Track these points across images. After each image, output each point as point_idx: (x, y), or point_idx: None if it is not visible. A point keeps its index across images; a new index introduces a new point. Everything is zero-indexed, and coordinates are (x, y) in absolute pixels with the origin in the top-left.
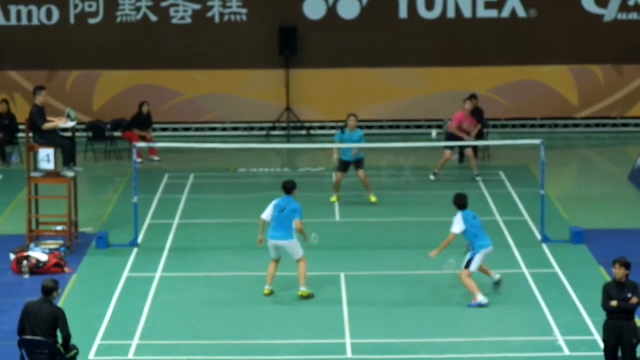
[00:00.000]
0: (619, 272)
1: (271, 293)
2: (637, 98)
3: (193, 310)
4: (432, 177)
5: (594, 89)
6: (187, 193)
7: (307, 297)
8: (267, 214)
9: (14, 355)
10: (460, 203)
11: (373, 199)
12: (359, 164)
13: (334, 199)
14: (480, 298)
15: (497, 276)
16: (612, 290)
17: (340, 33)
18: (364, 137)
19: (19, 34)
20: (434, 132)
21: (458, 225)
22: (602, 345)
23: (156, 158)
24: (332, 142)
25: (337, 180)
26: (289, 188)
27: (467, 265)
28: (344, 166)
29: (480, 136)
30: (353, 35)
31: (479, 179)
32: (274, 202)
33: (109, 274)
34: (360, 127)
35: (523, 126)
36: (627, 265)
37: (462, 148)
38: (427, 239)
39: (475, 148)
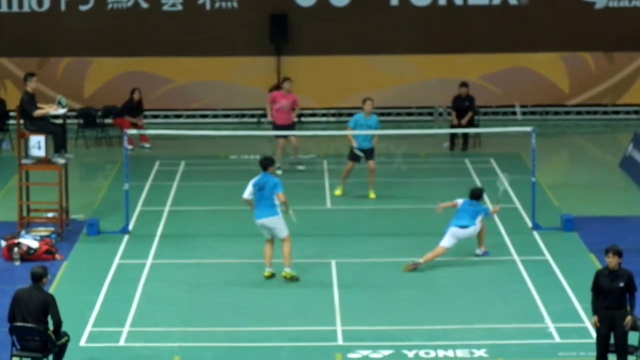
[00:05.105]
0: (612, 260)
1: (272, 275)
2: (628, 85)
3: (184, 297)
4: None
5: (584, 76)
6: (178, 180)
7: (292, 279)
8: (248, 193)
9: (5, 342)
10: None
11: (372, 195)
12: (369, 153)
13: (338, 192)
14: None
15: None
16: (603, 278)
17: (331, 20)
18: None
19: (9, 21)
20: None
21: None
22: (592, 332)
23: (147, 145)
24: (327, 128)
25: (347, 169)
26: (265, 164)
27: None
28: (354, 155)
29: (471, 123)
30: (344, 22)
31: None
32: (252, 181)
33: (100, 260)
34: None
35: (514, 113)
36: (619, 254)
37: (452, 136)
38: (418, 226)
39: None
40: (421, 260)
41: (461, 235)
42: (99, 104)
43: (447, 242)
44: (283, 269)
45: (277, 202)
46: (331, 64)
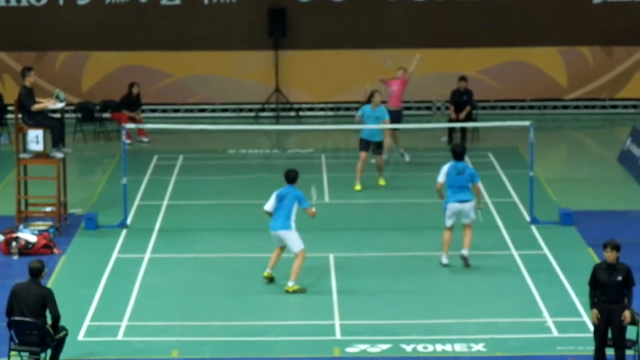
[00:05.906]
0: (611, 255)
1: (271, 278)
2: (626, 80)
3: (182, 291)
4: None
5: (583, 71)
6: (176, 174)
7: (295, 292)
8: (270, 205)
9: (3, 336)
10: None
11: (382, 182)
12: (377, 146)
13: (357, 187)
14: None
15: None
16: (601, 272)
17: (330, 14)
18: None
19: (7, 15)
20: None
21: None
22: (590, 326)
23: (145, 139)
24: (325, 122)
25: (362, 163)
26: (291, 177)
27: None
28: (365, 145)
29: (469, 117)
30: (342, 16)
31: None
32: (275, 192)
33: (98, 255)
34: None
35: (512, 107)
36: (617, 248)
37: (451, 130)
38: (415, 220)
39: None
40: (445, 260)
41: (462, 208)
42: (97, 98)
43: (450, 222)
44: (287, 283)
45: (293, 217)
46: (329, 58)
